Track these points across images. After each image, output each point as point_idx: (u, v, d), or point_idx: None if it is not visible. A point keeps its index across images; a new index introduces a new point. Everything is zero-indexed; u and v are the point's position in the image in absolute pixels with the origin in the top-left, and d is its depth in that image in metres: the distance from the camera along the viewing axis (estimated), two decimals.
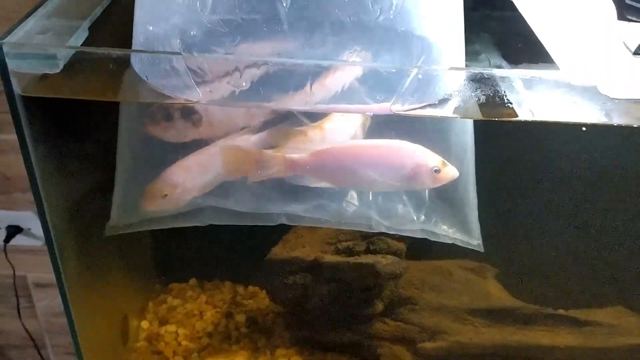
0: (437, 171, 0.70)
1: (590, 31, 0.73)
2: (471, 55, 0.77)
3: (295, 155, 0.71)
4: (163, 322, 1.14)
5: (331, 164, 0.73)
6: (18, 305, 1.44)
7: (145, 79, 0.61)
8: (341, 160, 0.73)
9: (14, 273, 1.39)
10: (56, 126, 0.73)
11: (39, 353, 1.51)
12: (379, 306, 0.99)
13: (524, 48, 0.76)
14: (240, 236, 1.04)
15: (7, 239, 1.34)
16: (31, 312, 1.50)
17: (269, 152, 0.71)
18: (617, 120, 0.64)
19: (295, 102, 0.62)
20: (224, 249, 1.14)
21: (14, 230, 1.35)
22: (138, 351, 1.08)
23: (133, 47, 0.66)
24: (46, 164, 0.70)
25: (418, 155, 0.70)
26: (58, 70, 0.61)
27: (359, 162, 0.72)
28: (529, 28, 0.77)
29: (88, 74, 0.62)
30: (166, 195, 0.74)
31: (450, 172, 0.71)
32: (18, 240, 1.34)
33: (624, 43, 0.70)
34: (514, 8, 0.82)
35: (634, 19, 0.66)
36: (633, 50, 0.68)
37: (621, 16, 0.67)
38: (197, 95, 0.62)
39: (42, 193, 0.70)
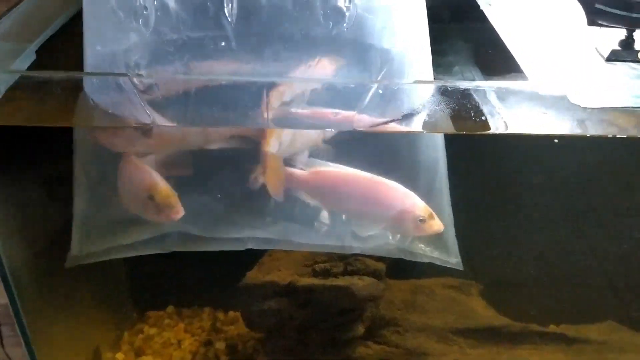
0: (422, 221, 0.69)
1: (561, 39, 0.71)
2: (445, 67, 0.75)
3: (295, 170, 0.71)
4: (139, 353, 1.10)
5: (326, 187, 0.72)
6: (1, 334, 1.40)
7: (92, 101, 0.58)
8: (336, 185, 0.72)
9: None
10: (7, 154, 0.70)
11: None
12: (360, 329, 0.95)
13: (497, 59, 0.74)
14: (218, 261, 1.00)
15: None
16: (15, 340, 1.46)
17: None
18: (590, 130, 0.61)
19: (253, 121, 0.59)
20: (203, 274, 1.11)
21: None
22: None
23: (84, 70, 0.63)
24: None
25: (407, 201, 0.70)
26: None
27: (351, 192, 0.72)
28: (500, 39, 0.75)
29: (33, 99, 0.59)
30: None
31: (435, 226, 0.70)
32: None
33: (596, 49, 0.68)
34: (485, 19, 0.80)
35: (605, 24, 0.63)
36: (605, 56, 0.66)
37: (591, 22, 0.64)
38: (147, 117, 0.59)
39: None
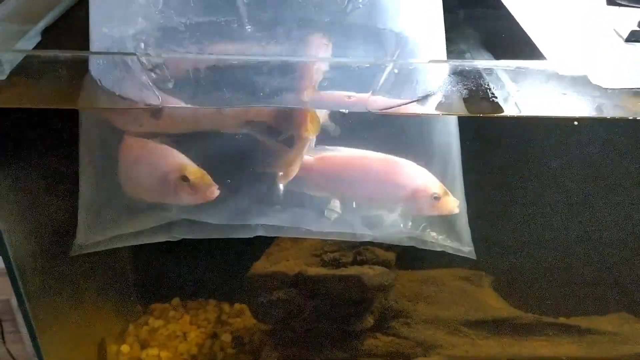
0: (437, 199, 0.67)
1: (579, 19, 0.69)
2: (457, 54, 0.73)
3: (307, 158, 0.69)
4: (144, 345, 1.08)
5: (334, 173, 0.70)
6: (2, 330, 1.39)
7: (98, 83, 0.57)
8: (345, 170, 0.70)
9: None
10: (10, 139, 0.68)
11: None
12: (370, 320, 0.94)
13: (512, 45, 0.72)
14: (224, 252, 0.99)
15: None
16: (17, 337, 1.45)
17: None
18: (611, 112, 0.60)
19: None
20: (208, 265, 1.10)
21: None
22: None
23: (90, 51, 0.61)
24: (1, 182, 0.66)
25: (420, 178, 0.67)
26: (3, 77, 0.56)
27: (361, 175, 0.70)
28: (516, 24, 0.73)
29: (38, 80, 0.57)
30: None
31: (450, 203, 0.68)
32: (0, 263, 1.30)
33: (615, 30, 0.66)
34: (500, 5, 0.78)
35: (624, 3, 0.61)
36: (625, 36, 0.64)
37: (610, 1, 0.62)
38: (155, 99, 0.57)
39: None
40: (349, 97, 0.59)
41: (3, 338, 1.40)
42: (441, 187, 0.67)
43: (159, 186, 0.68)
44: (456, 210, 0.68)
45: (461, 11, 0.84)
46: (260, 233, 0.73)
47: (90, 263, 0.95)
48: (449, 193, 0.67)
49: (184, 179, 0.65)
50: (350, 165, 0.70)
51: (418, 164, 0.71)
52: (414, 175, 0.67)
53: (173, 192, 0.67)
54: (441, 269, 1.00)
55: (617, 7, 0.63)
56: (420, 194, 0.67)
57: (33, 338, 0.78)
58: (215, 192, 0.65)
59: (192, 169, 0.65)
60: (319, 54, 0.56)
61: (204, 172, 0.65)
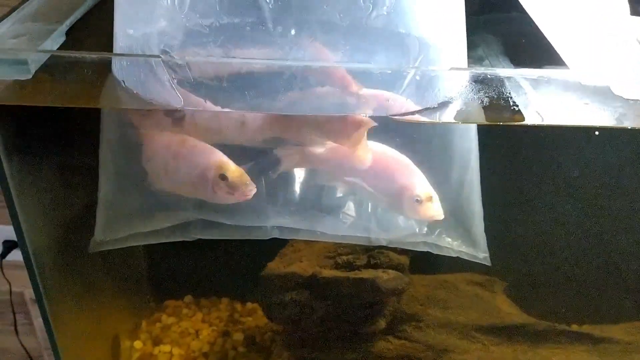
0: (418, 202, 0.66)
1: (602, 29, 0.69)
2: (475, 60, 0.73)
3: (315, 149, 0.68)
4: (157, 341, 1.09)
5: (342, 164, 0.69)
6: (15, 322, 1.41)
7: (123, 84, 0.57)
8: (351, 162, 0.68)
9: (10, 289, 1.36)
10: (34, 136, 0.69)
11: None
12: (382, 323, 0.94)
13: (532, 51, 0.72)
14: (238, 251, 1.00)
15: (4, 255, 1.32)
16: (29, 329, 1.47)
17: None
18: (632, 123, 0.59)
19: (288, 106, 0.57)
20: (221, 264, 1.10)
21: (10, 245, 1.32)
22: None
23: (113, 52, 0.62)
24: (22, 177, 0.67)
25: (408, 178, 0.66)
26: (29, 76, 0.57)
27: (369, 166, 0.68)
28: (537, 30, 0.73)
29: (63, 80, 0.58)
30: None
31: (430, 210, 0.66)
32: (15, 255, 1.32)
33: (637, 39, 0.66)
34: (521, 9, 0.78)
35: None
36: None
37: (635, 11, 0.62)
38: (179, 101, 0.58)
39: (18, 206, 0.66)
40: (388, 99, 0.59)
41: (16, 330, 1.42)
42: (427, 191, 0.66)
43: (196, 183, 0.67)
44: (436, 219, 0.67)
45: (482, 16, 0.84)
46: (275, 235, 0.74)
47: (106, 259, 0.96)
48: (434, 200, 0.66)
49: (222, 177, 0.64)
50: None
51: (437, 171, 0.71)
52: (404, 173, 0.66)
53: (210, 190, 0.66)
54: (454, 274, 0.99)
55: None
56: (404, 193, 0.66)
57: (50, 333, 0.79)
58: (253, 190, 0.65)
59: (231, 167, 0.65)
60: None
61: (243, 171, 0.65)
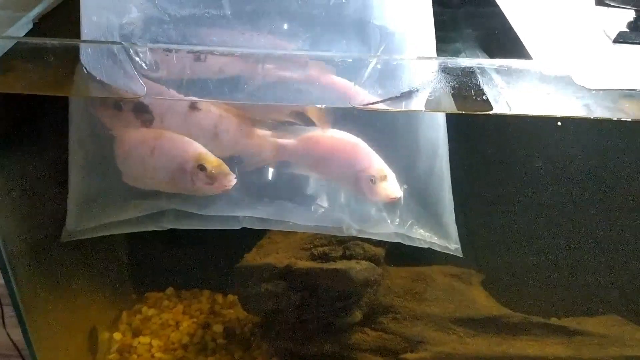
0: (373, 182, 0.65)
1: (568, 19, 0.69)
2: (452, 53, 0.73)
3: (284, 141, 0.68)
4: (137, 333, 1.10)
5: (307, 153, 0.69)
6: (2, 314, 1.41)
7: (85, 70, 0.57)
8: (313, 150, 0.69)
9: None
10: (1, 124, 0.69)
11: None
12: (358, 315, 0.94)
13: (502, 40, 0.72)
14: (220, 243, 1.00)
15: None
16: (17, 321, 1.46)
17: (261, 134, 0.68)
18: (595, 113, 0.60)
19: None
20: (204, 256, 1.10)
21: None
22: None
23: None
24: None
25: (364, 159, 0.66)
26: None
27: (324, 153, 0.68)
28: (508, 22, 0.73)
29: (27, 67, 0.58)
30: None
31: (387, 190, 0.65)
32: None
33: (604, 31, 0.66)
34: (494, 4, 0.79)
35: (613, 4, 0.61)
36: (613, 38, 0.64)
37: (599, 2, 0.62)
38: (141, 89, 0.58)
39: None
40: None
41: (4, 322, 1.41)
42: (381, 170, 0.65)
43: (175, 176, 0.67)
44: (392, 199, 0.66)
45: (459, 9, 0.84)
46: (247, 225, 0.74)
47: (85, 251, 0.96)
48: (389, 179, 0.65)
49: (201, 168, 0.64)
50: (320, 144, 0.68)
51: (405, 162, 0.71)
52: (359, 155, 0.66)
53: (190, 182, 0.65)
54: (431, 266, 1.00)
55: (606, 8, 0.63)
56: (360, 174, 0.65)
57: (22, 324, 0.79)
58: (233, 181, 0.64)
59: (210, 158, 0.64)
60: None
61: (222, 161, 0.64)
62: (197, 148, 0.65)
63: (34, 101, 0.69)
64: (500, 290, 0.99)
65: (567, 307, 0.98)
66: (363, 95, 0.58)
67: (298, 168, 0.71)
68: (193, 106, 0.65)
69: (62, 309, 0.92)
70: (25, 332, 0.78)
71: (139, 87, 0.58)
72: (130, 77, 0.57)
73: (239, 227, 0.74)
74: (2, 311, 1.39)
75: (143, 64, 0.57)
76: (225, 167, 0.65)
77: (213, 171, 0.64)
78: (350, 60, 0.56)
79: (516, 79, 0.58)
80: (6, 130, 0.71)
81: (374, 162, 0.65)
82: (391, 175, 0.65)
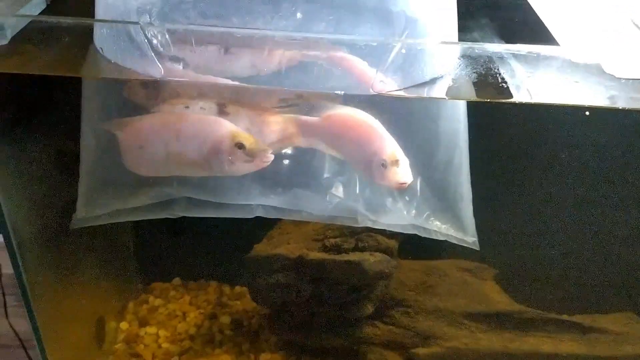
0: (384, 166, 0.62)
1: (595, 9, 0.67)
2: (470, 33, 0.71)
3: (307, 118, 0.66)
4: (143, 323, 1.08)
5: (327, 130, 0.67)
6: (5, 304, 1.40)
7: (100, 50, 0.56)
8: (333, 127, 0.66)
9: (0, 270, 1.34)
10: (12, 108, 0.68)
11: (27, 354, 1.46)
12: (369, 308, 0.93)
13: (528, 28, 0.70)
14: (228, 234, 0.99)
15: None
16: (20, 311, 1.45)
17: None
18: (623, 103, 0.58)
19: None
20: (211, 247, 1.09)
21: None
22: (115, 354, 1.03)
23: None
24: (1, 151, 0.65)
25: (377, 142, 0.63)
26: (5, 42, 0.55)
27: (342, 131, 0.66)
28: (534, 13, 0.71)
29: (41, 47, 0.57)
30: None
31: (397, 175, 0.62)
32: None
33: (632, 21, 0.64)
34: None
35: None
36: None
37: None
38: (158, 71, 0.56)
39: None
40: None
41: (6, 312, 1.40)
42: (393, 155, 0.63)
43: (209, 157, 0.64)
44: (401, 184, 0.63)
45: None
46: (260, 214, 0.72)
47: (93, 240, 0.94)
48: (401, 163, 0.63)
49: (240, 146, 0.62)
50: (339, 123, 0.66)
51: (424, 151, 0.70)
52: (373, 137, 0.63)
53: (227, 162, 0.63)
54: (444, 260, 0.98)
55: None
56: (372, 157, 0.63)
57: (30, 312, 0.78)
58: (271, 157, 0.62)
59: (246, 135, 0.62)
60: None
61: (256, 138, 0.63)
62: (230, 126, 0.63)
63: (46, 83, 0.68)
64: (514, 286, 0.97)
65: (581, 304, 0.96)
66: (384, 82, 0.56)
67: (319, 145, 0.68)
68: (222, 110, 0.64)
69: (69, 298, 0.91)
70: (33, 320, 0.77)
71: (155, 69, 0.56)
72: (146, 58, 0.56)
73: (252, 216, 0.73)
74: (5, 301, 1.38)
75: (160, 45, 0.55)
76: (262, 144, 0.62)
77: (252, 148, 0.62)
78: (375, 44, 0.55)
79: (544, 66, 0.57)
80: (16, 114, 0.69)
81: (388, 145, 0.63)
82: (404, 161, 0.63)
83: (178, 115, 0.64)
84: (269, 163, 0.62)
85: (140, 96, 0.66)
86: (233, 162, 0.62)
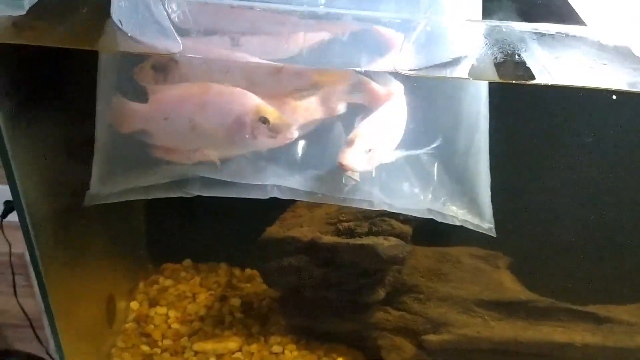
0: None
1: None
2: (495, 13, 0.69)
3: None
4: (153, 303, 1.08)
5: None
6: (14, 283, 1.40)
7: (119, 24, 0.55)
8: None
9: (10, 250, 1.35)
10: (27, 80, 0.67)
11: (35, 334, 1.47)
12: (381, 293, 0.92)
13: (553, 17, 0.68)
14: (239, 216, 0.98)
15: (4, 215, 1.30)
16: (29, 291, 1.46)
17: None
18: None
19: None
20: (222, 229, 1.09)
21: (11, 206, 1.31)
22: (125, 333, 1.03)
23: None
24: (17, 128, 0.65)
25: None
26: (23, 12, 0.54)
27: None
28: None
29: (58, 19, 0.56)
30: None
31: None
32: (15, 216, 1.30)
33: None
34: None
35: None
36: None
37: None
38: (177, 46, 0.55)
39: (11, 155, 0.64)
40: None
41: (15, 292, 1.41)
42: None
43: (232, 131, 0.62)
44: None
45: None
46: (275, 194, 0.71)
47: (105, 220, 0.94)
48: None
49: (263, 120, 0.60)
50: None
51: (444, 133, 0.68)
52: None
53: (250, 136, 0.62)
54: (458, 247, 0.97)
55: None
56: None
57: (43, 291, 0.78)
58: (295, 133, 0.61)
59: (270, 109, 0.60)
60: None
61: (281, 113, 0.61)
62: (255, 99, 0.61)
63: (63, 58, 0.67)
64: (528, 275, 0.96)
65: (596, 294, 0.95)
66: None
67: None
68: None
69: (80, 277, 0.91)
70: (45, 299, 0.77)
71: (174, 44, 0.55)
72: (165, 32, 0.55)
73: (267, 197, 0.72)
74: (14, 280, 1.39)
75: (180, 21, 0.54)
76: (286, 119, 0.61)
77: (276, 123, 0.60)
78: (399, 20, 0.53)
79: (572, 47, 0.55)
80: (31, 89, 0.68)
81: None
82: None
83: (204, 86, 0.62)
84: (292, 139, 0.61)
85: (148, 78, 0.65)
86: (256, 137, 0.61)
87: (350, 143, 0.62)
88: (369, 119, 0.64)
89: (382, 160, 0.67)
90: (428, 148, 0.68)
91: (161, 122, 0.65)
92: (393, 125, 0.66)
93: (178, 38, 0.55)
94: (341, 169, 0.64)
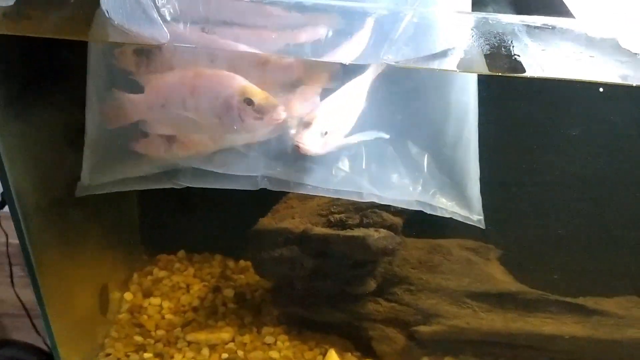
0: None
1: None
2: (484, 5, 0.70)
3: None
4: (147, 294, 1.09)
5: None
6: (11, 273, 1.41)
7: (107, 14, 0.55)
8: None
9: (7, 240, 1.35)
10: (17, 71, 0.67)
11: (32, 324, 1.47)
12: (372, 284, 0.93)
13: (544, 9, 0.68)
14: (233, 207, 0.98)
15: (1, 206, 1.30)
16: (26, 281, 1.46)
17: None
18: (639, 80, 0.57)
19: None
20: (216, 220, 1.09)
21: None
22: (119, 323, 1.04)
23: None
24: (5, 117, 0.65)
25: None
26: (11, 3, 0.54)
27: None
28: None
29: (46, 8, 0.56)
30: None
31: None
32: None
33: None
34: None
35: None
36: None
37: None
38: (164, 36, 0.55)
39: (1, 146, 0.65)
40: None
41: (12, 282, 1.41)
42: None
43: (221, 114, 0.61)
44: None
45: None
46: (265, 186, 0.72)
47: (98, 210, 0.94)
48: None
49: (248, 102, 0.59)
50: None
51: (432, 125, 0.69)
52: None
53: (237, 119, 0.60)
54: (448, 239, 0.97)
55: None
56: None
57: (34, 281, 0.78)
58: (283, 114, 0.60)
59: (255, 90, 0.59)
60: None
61: (268, 94, 0.59)
62: (241, 81, 0.60)
63: (53, 48, 0.67)
64: (518, 267, 0.97)
65: (585, 286, 0.96)
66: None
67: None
68: None
69: (74, 268, 0.91)
70: (37, 289, 0.77)
71: (161, 34, 0.55)
72: (153, 24, 0.55)
73: (257, 188, 0.72)
74: (11, 270, 1.39)
75: (167, 11, 0.54)
76: (274, 100, 0.59)
77: (261, 104, 0.59)
78: (386, 12, 0.54)
79: (559, 39, 0.55)
80: (21, 80, 0.69)
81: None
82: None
83: (195, 72, 0.61)
84: (280, 120, 0.60)
85: (131, 64, 0.65)
86: (243, 119, 0.60)
87: (307, 125, 0.61)
88: (325, 101, 0.63)
89: (337, 143, 0.66)
90: (382, 133, 0.68)
91: (159, 109, 0.65)
92: (350, 109, 0.66)
93: (165, 28, 0.55)
94: (297, 151, 0.63)
